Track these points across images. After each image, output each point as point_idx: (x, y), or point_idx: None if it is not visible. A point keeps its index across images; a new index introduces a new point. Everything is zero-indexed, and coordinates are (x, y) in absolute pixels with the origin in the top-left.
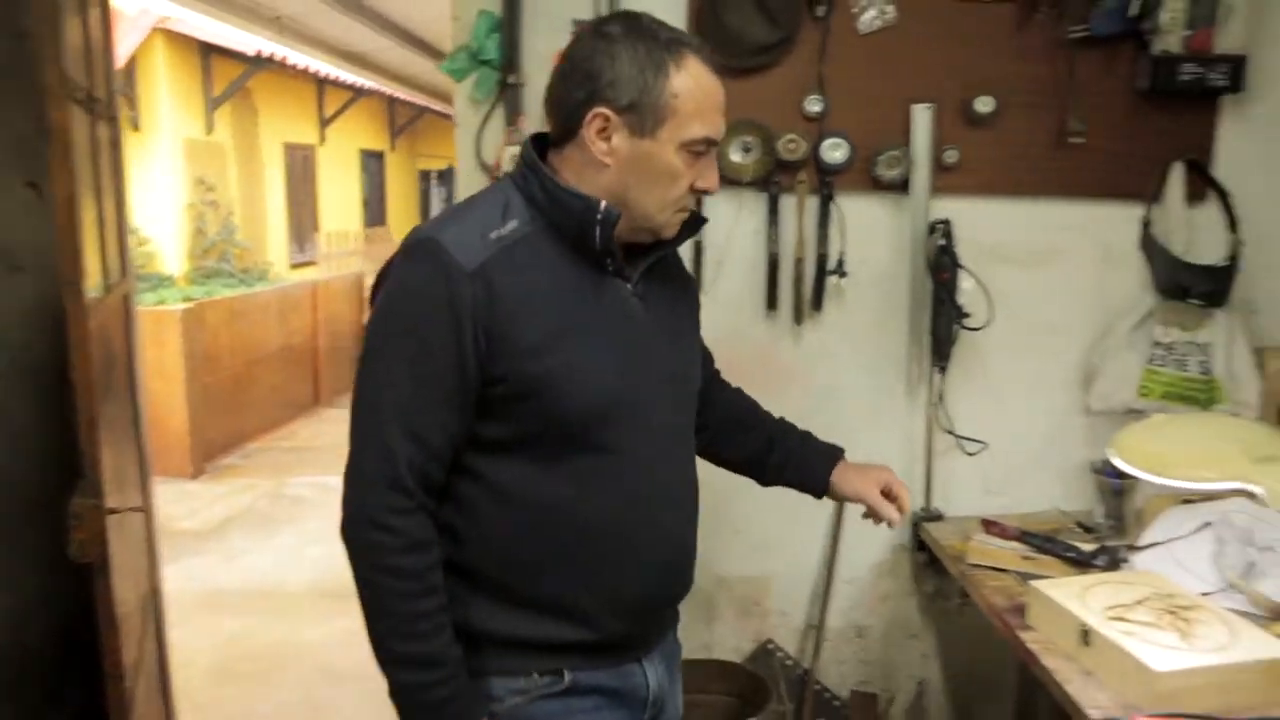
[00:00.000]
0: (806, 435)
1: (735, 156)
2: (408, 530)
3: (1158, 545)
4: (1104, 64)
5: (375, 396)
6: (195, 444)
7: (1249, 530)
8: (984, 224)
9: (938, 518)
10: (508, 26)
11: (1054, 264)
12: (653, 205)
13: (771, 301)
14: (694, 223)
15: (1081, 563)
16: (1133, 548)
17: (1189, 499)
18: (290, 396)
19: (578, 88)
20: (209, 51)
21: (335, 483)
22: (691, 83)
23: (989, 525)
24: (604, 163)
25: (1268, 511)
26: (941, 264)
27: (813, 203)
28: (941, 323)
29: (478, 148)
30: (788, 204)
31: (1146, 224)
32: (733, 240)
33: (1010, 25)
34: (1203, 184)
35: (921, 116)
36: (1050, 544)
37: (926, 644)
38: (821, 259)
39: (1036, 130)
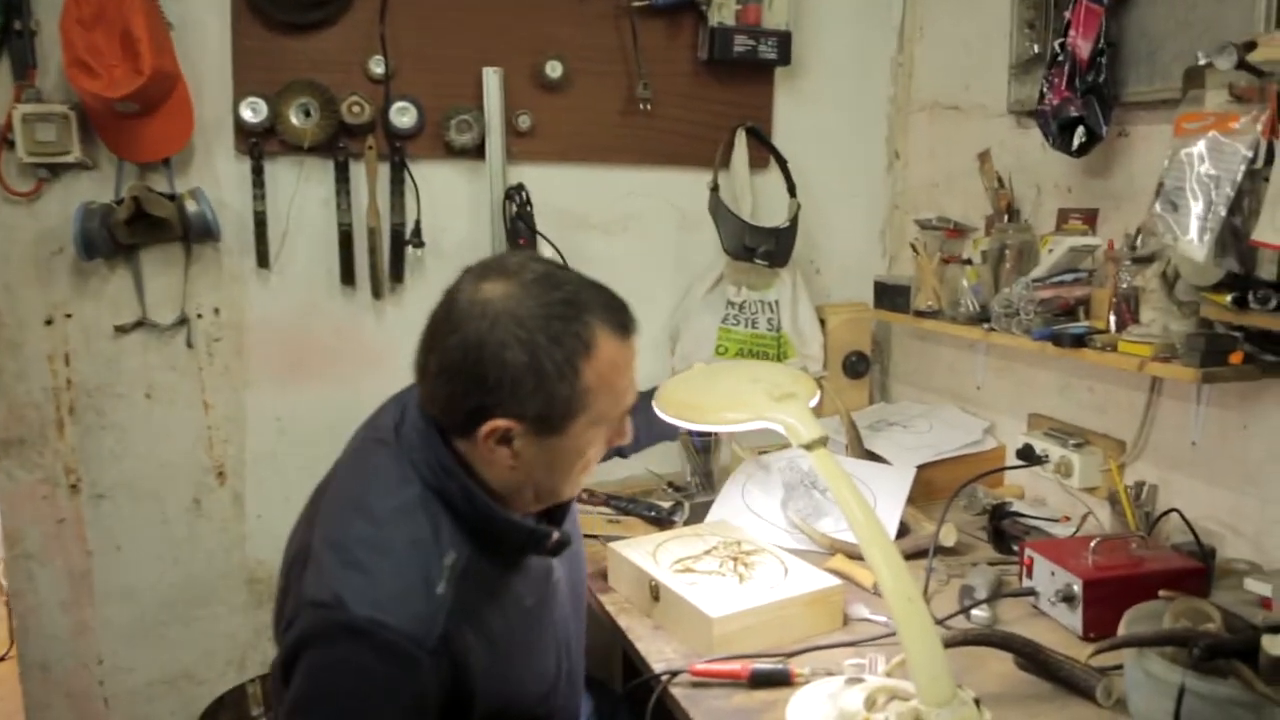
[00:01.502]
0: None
1: (295, 120)
2: None
3: (735, 497)
4: (667, 34)
5: None
6: None
7: (812, 473)
8: (561, 190)
9: None
10: None
11: (633, 230)
12: (565, 487)
13: (348, 276)
14: None
15: (661, 520)
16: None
17: (764, 450)
18: None
19: (464, 396)
20: None
21: None
22: (605, 366)
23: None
24: (507, 465)
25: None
26: (519, 230)
27: (384, 169)
28: None
29: None
30: (357, 171)
31: (714, 189)
32: (299, 210)
33: None
34: (764, 151)
35: (491, 80)
36: (633, 505)
37: None
38: (397, 229)
39: (607, 97)
